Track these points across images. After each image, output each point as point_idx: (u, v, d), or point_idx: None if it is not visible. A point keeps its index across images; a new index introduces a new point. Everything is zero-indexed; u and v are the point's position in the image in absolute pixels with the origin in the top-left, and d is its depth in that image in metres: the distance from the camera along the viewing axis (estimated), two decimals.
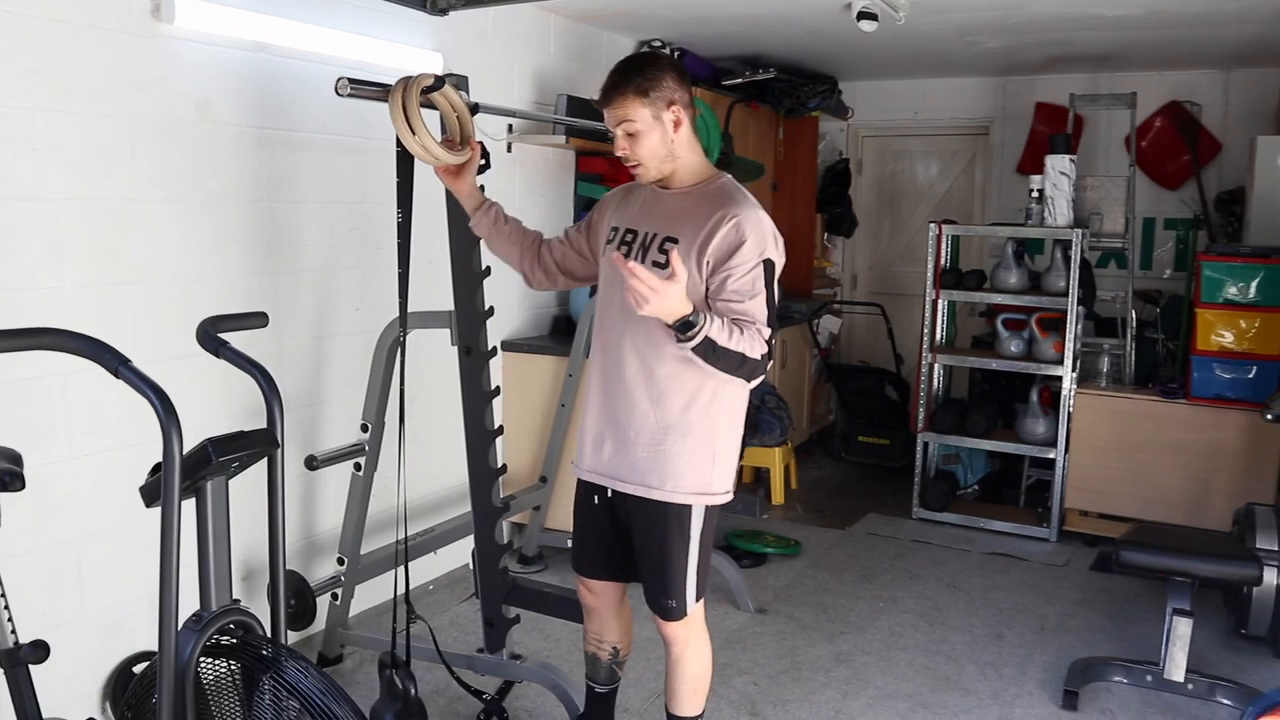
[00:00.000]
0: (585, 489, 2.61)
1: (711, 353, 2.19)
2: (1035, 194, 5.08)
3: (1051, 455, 5.05)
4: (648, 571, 2.52)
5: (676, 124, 2.35)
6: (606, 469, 2.50)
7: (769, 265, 2.30)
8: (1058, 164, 4.98)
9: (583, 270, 2.68)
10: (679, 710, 2.65)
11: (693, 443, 2.40)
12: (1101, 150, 6.15)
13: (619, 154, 2.37)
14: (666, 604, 2.51)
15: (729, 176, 2.45)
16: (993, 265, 5.41)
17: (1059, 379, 5.02)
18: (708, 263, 2.29)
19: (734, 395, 2.43)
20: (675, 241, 2.33)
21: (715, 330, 2.18)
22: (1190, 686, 3.28)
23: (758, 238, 2.28)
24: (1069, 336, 4.95)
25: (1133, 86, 5.64)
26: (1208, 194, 5.85)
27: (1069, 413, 4.99)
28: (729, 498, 2.51)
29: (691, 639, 2.58)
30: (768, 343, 2.26)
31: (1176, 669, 3.26)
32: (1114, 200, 5.62)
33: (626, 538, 2.55)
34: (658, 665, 3.42)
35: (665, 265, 2.26)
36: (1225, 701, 3.28)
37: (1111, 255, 6.02)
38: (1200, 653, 3.53)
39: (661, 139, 2.34)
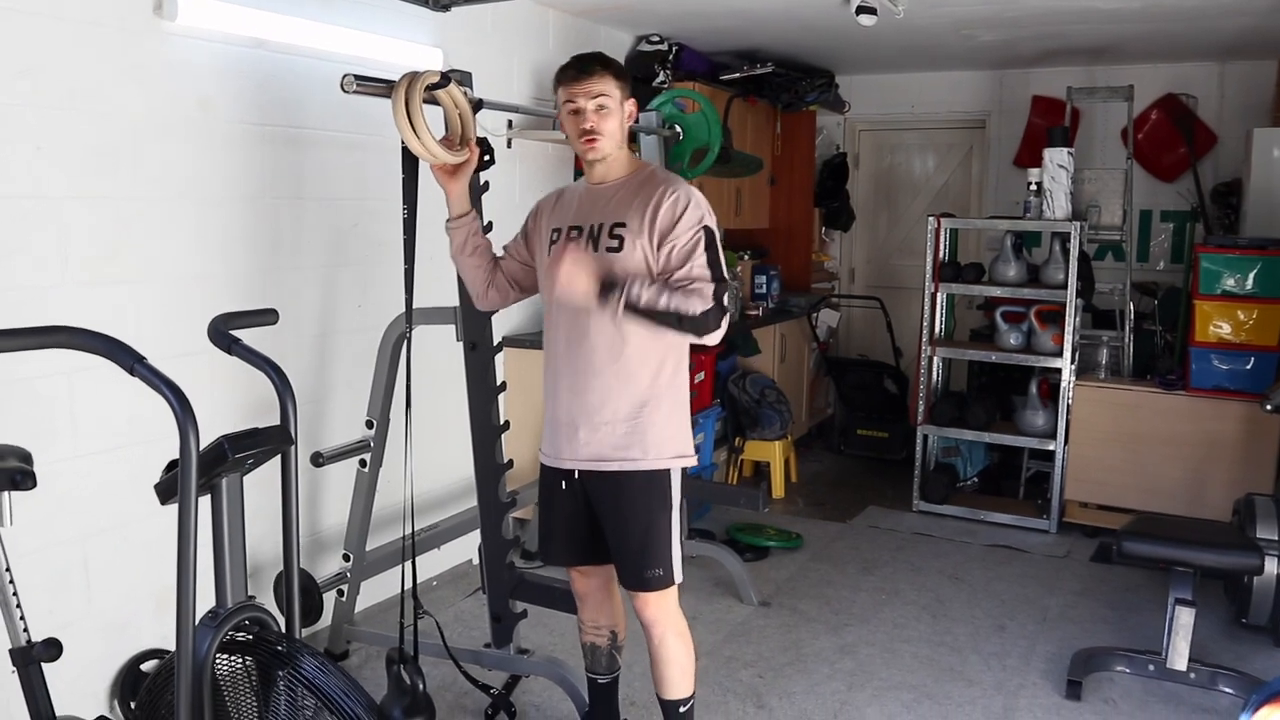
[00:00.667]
0: (551, 476, 2.65)
1: (641, 313, 2.36)
2: (1033, 187, 5.09)
3: (1051, 447, 5.07)
4: (630, 547, 2.56)
5: (630, 116, 2.54)
6: (584, 454, 2.55)
7: (709, 231, 2.46)
8: (1056, 157, 4.99)
9: (528, 280, 2.75)
10: (670, 694, 2.68)
11: (665, 410, 2.53)
12: (1098, 143, 6.17)
13: (585, 126, 2.46)
14: (652, 574, 2.54)
15: (655, 165, 2.65)
16: (991, 258, 5.42)
17: (1058, 371, 5.03)
18: (656, 235, 2.44)
19: (684, 361, 2.60)
20: (624, 225, 2.46)
21: (638, 292, 2.35)
22: (1193, 675, 3.30)
23: (695, 208, 2.46)
24: (1068, 329, 4.97)
25: (1129, 79, 5.66)
26: (1204, 186, 5.87)
27: (1068, 405, 5.01)
28: (695, 458, 2.65)
29: (671, 621, 2.62)
30: (715, 297, 2.40)
31: (1179, 658, 3.27)
32: (1111, 193, 5.63)
33: (595, 520, 2.61)
34: None
35: (620, 249, 2.45)
36: (1228, 690, 3.29)
37: (1109, 248, 6.04)
38: (1202, 642, 3.55)
39: (621, 123, 2.51)
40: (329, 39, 3.39)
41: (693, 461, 2.62)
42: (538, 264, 2.66)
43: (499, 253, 2.78)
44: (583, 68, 2.47)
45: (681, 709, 2.69)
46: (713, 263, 2.45)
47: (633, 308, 2.35)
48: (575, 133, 2.50)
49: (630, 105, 2.54)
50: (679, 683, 2.67)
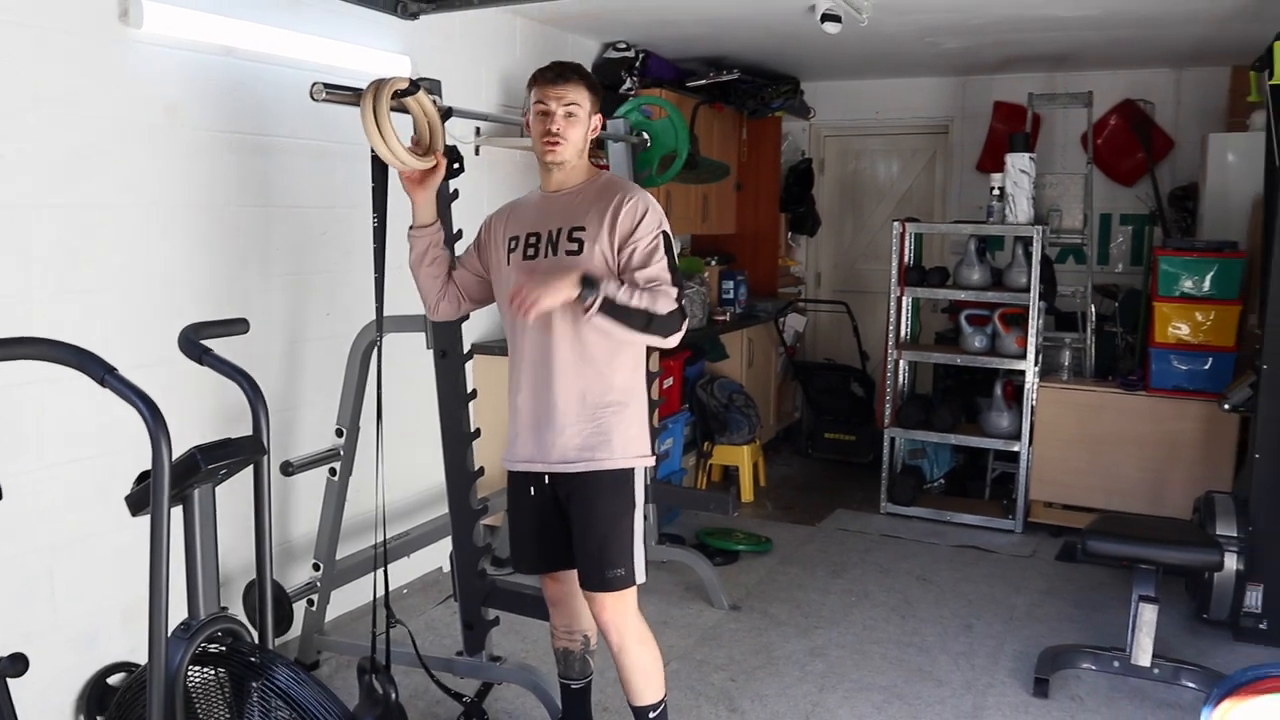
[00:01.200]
0: (519, 482, 2.66)
1: (615, 311, 2.38)
2: (996, 192, 5.16)
3: (1015, 448, 5.14)
4: (591, 547, 2.56)
5: (594, 130, 2.59)
6: (549, 456, 2.57)
7: (666, 235, 2.52)
8: (1018, 162, 5.07)
9: (479, 292, 2.77)
10: (637, 700, 2.68)
11: (629, 411, 2.57)
12: (1059, 148, 6.27)
13: (551, 128, 2.50)
14: (614, 575, 2.55)
15: (610, 171, 2.65)
16: (955, 262, 5.49)
17: (1022, 373, 5.10)
18: (616, 239, 2.49)
19: (643, 363, 2.65)
20: (583, 229, 2.51)
21: (614, 289, 2.38)
22: (1156, 671, 3.36)
23: (654, 213, 2.52)
24: (1031, 331, 5.04)
25: (1088, 85, 5.75)
26: (1162, 190, 5.98)
27: (1032, 406, 5.08)
28: (654, 458, 2.69)
29: (629, 626, 2.61)
30: (678, 301, 2.47)
31: (1143, 654, 3.33)
32: (1072, 197, 5.72)
33: (566, 525, 2.62)
34: None
35: (580, 251, 2.49)
36: (1190, 685, 3.36)
37: (1070, 251, 6.13)
38: (1164, 638, 3.61)
39: (584, 135, 2.56)
40: (297, 47, 3.38)
41: (652, 461, 2.66)
42: (493, 275, 2.68)
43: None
44: (560, 73, 2.53)
45: (651, 714, 2.69)
46: (672, 267, 2.51)
47: (610, 302, 2.37)
48: (539, 133, 2.53)
49: (597, 120, 2.59)
50: (645, 688, 2.67)
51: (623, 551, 2.56)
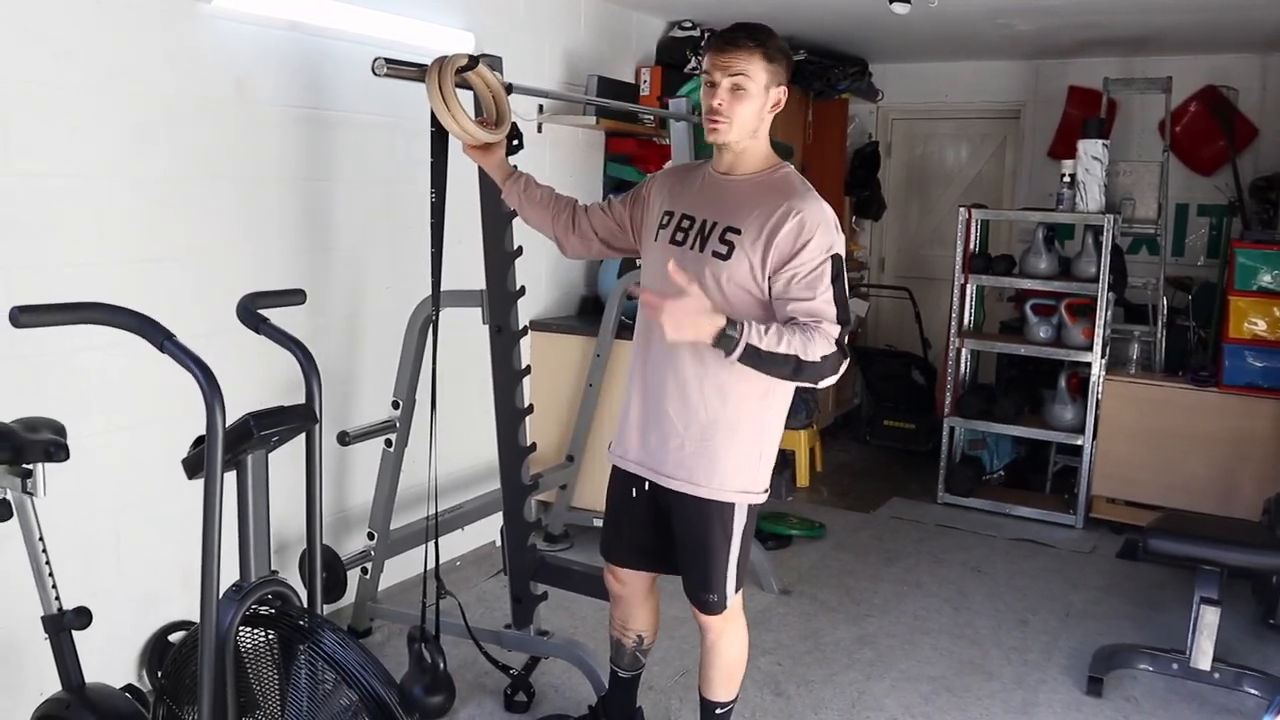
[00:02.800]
0: (623, 479, 2.54)
1: (758, 359, 2.09)
2: (1067, 179, 5.04)
3: (1079, 442, 5.03)
4: (689, 565, 2.48)
5: (775, 106, 2.28)
6: (651, 462, 2.43)
7: (836, 260, 2.20)
8: (1090, 148, 4.94)
9: (620, 242, 2.61)
10: (712, 695, 2.63)
11: (741, 440, 2.34)
12: (1135, 135, 6.09)
13: (713, 103, 2.23)
14: (707, 599, 2.47)
15: (791, 167, 2.35)
16: (1022, 250, 5.37)
17: (1088, 365, 4.99)
18: (772, 259, 2.20)
19: (785, 393, 2.37)
20: (738, 232, 2.24)
21: (757, 337, 2.07)
22: (1216, 675, 3.27)
23: (824, 233, 2.19)
24: (1098, 323, 4.93)
25: (1168, 70, 5.57)
26: (1243, 180, 5.77)
27: (1097, 399, 4.96)
28: (767, 495, 2.46)
29: (728, 629, 2.56)
30: (838, 342, 2.15)
31: (1203, 657, 3.25)
32: (1147, 186, 5.57)
33: (667, 530, 2.49)
34: (683, 644, 3.46)
35: (727, 257, 2.22)
36: (1252, 691, 3.26)
37: (1144, 241, 5.97)
38: (1227, 642, 3.52)
39: (759, 111, 2.25)
40: (362, 22, 3.41)
41: (763, 498, 2.43)
42: (643, 238, 2.49)
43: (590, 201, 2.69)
44: (731, 38, 2.22)
45: (718, 711, 2.63)
46: (839, 299, 2.17)
47: (752, 351, 2.07)
48: (705, 108, 2.26)
49: (778, 93, 2.26)
50: (722, 686, 2.61)
51: (715, 581, 2.43)
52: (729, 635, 2.57)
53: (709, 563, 2.43)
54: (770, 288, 2.23)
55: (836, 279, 2.18)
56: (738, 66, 2.20)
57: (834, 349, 2.14)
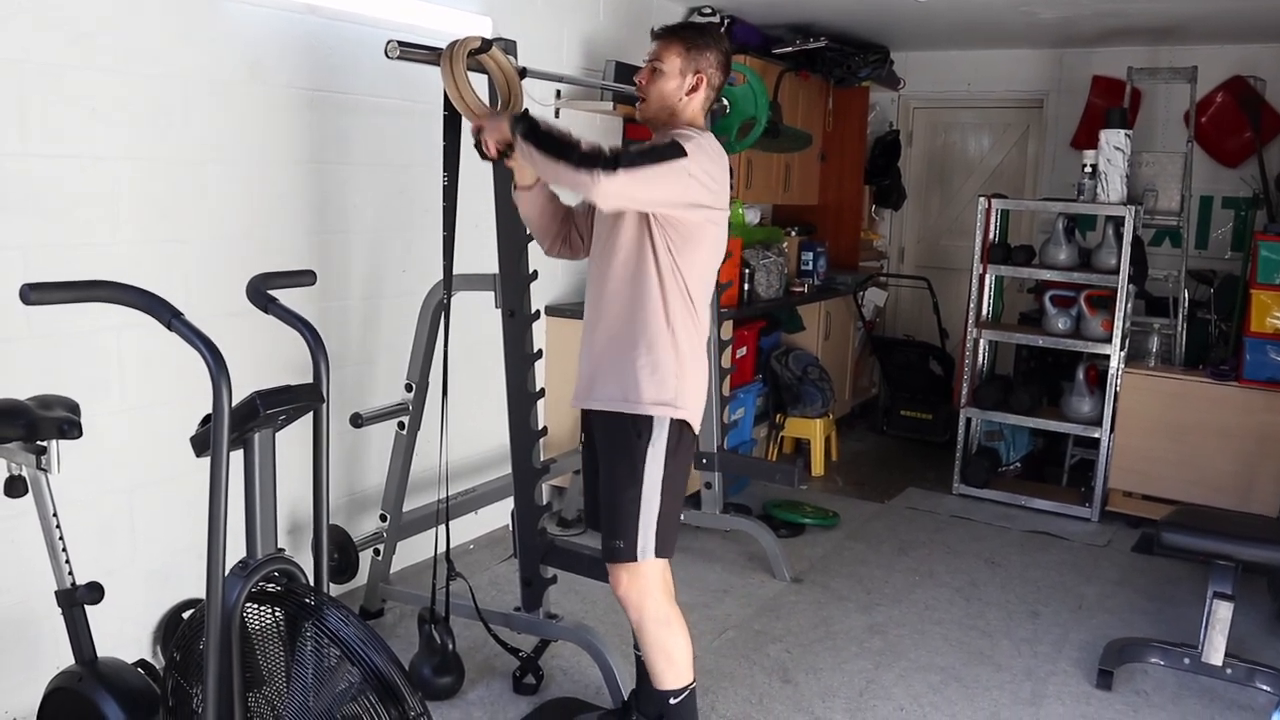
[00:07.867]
0: (582, 432, 2.68)
1: (537, 137, 2.34)
2: (1088, 169, 4.99)
3: (1096, 435, 4.99)
4: (602, 505, 2.53)
5: (692, 90, 2.53)
6: (582, 393, 2.58)
7: (675, 144, 2.36)
8: (1112, 138, 4.89)
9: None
10: (657, 684, 2.56)
11: (658, 354, 2.44)
12: (1159, 125, 6.02)
13: (638, 81, 2.58)
14: (612, 545, 2.46)
15: (702, 128, 2.56)
16: (1042, 241, 5.33)
17: (1106, 358, 4.95)
18: None
19: (690, 310, 2.47)
20: None
21: (543, 121, 2.39)
22: (1229, 671, 3.24)
23: (684, 140, 2.37)
24: (1118, 315, 4.88)
25: (1193, 60, 5.50)
26: (1269, 172, 5.70)
27: (1115, 392, 4.92)
28: (695, 425, 2.52)
29: (646, 605, 2.48)
30: (614, 150, 2.31)
31: (1215, 653, 3.22)
32: (1170, 177, 5.50)
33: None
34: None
35: None
36: (1264, 688, 3.24)
37: (1166, 233, 5.90)
38: (1240, 637, 3.49)
39: (673, 90, 2.53)
40: (377, 5, 3.42)
41: (675, 414, 2.45)
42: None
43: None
44: (659, 32, 2.59)
45: (672, 700, 2.54)
46: (645, 151, 2.35)
47: (536, 127, 2.37)
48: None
49: (695, 79, 2.52)
50: (664, 673, 2.54)
51: (623, 522, 2.44)
52: (649, 612, 2.49)
53: (618, 496, 2.46)
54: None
55: (656, 147, 2.36)
56: (657, 52, 2.55)
57: (602, 150, 2.30)
